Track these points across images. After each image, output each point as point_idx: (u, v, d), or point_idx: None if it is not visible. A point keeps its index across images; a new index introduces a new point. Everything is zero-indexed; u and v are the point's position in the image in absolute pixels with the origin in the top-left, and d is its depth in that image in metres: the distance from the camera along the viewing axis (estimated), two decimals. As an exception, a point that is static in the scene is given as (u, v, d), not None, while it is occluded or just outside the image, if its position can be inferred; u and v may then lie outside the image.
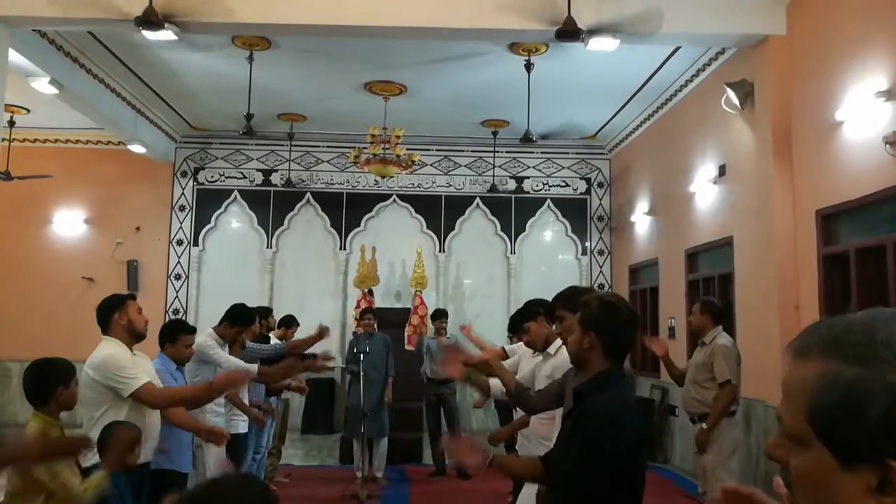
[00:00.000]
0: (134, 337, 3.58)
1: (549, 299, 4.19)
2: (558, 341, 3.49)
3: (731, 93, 6.20)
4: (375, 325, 7.05)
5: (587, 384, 2.07)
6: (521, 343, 4.13)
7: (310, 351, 5.72)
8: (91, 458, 3.21)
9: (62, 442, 2.79)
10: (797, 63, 5.64)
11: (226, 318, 4.76)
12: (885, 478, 0.64)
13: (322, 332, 5.29)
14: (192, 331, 4.20)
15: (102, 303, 3.59)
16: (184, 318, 9.96)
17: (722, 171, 6.97)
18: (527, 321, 3.76)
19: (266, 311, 6.63)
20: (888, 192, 4.55)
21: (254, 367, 4.53)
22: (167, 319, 9.93)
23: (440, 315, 7.80)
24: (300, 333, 7.50)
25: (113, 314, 3.55)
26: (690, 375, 4.87)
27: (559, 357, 3.42)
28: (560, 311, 2.97)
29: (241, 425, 5.06)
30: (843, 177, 5.02)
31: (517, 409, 4.26)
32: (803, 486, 0.70)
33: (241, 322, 4.78)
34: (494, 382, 3.77)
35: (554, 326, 3.35)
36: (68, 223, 10.37)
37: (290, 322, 7.10)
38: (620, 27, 5.61)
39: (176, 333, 4.08)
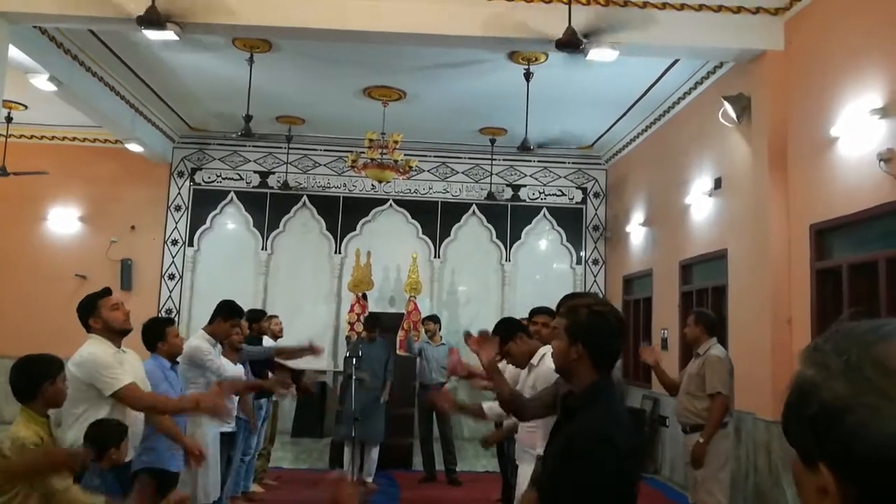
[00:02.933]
0: (116, 333, 3.53)
1: (530, 309, 4.22)
2: (541, 351, 3.50)
3: (728, 106, 6.23)
4: (377, 334, 7.07)
5: (577, 399, 2.00)
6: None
7: (296, 365, 5.79)
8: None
9: (56, 456, 2.72)
10: (794, 79, 5.68)
11: (217, 313, 4.74)
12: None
13: (314, 349, 5.32)
14: (173, 321, 4.22)
15: (77, 308, 3.53)
16: (176, 318, 9.94)
17: (718, 183, 7.00)
18: (505, 344, 3.77)
19: (259, 315, 6.61)
20: (882, 209, 4.58)
21: (240, 382, 4.54)
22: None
23: (431, 318, 7.84)
24: (294, 333, 7.46)
25: (88, 319, 3.50)
26: (684, 386, 4.88)
27: (542, 367, 3.42)
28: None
29: (229, 426, 5.03)
30: (837, 192, 5.05)
31: (510, 416, 4.27)
32: (793, 479, 0.74)
33: (233, 314, 4.76)
34: (489, 406, 3.79)
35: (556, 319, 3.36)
36: (63, 220, 10.34)
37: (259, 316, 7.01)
38: (619, 36, 5.64)
39: (163, 328, 4.07)
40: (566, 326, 2.04)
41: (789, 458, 0.74)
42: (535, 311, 4.10)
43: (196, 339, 4.56)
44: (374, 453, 6.92)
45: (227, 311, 4.73)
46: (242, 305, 5.92)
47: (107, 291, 3.62)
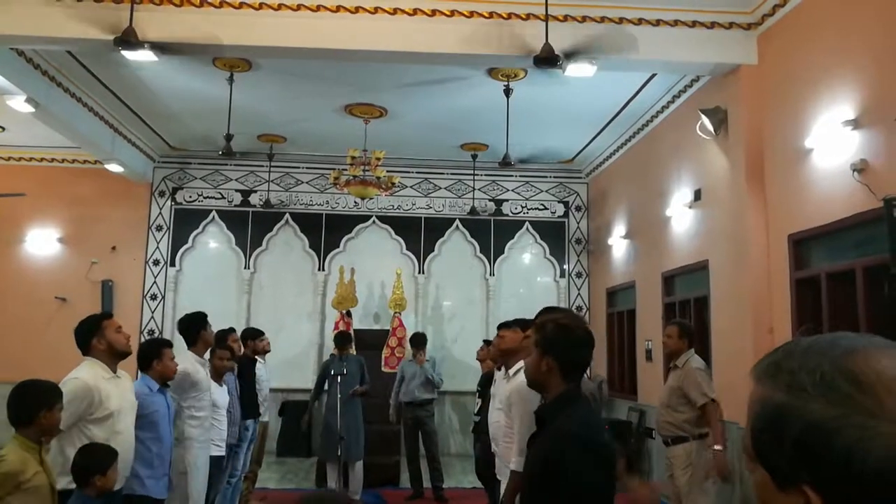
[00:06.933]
0: (116, 357, 3.52)
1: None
2: (519, 363, 3.51)
3: (705, 119, 6.32)
4: (348, 351, 7.22)
5: (548, 407, 2.10)
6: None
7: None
8: (66, 481, 3.15)
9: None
10: (768, 91, 5.78)
11: (190, 331, 4.73)
12: (808, 502, 0.66)
13: None
14: (171, 344, 4.19)
15: (78, 327, 3.52)
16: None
17: (697, 195, 7.08)
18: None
19: (255, 333, 6.57)
20: (856, 218, 4.65)
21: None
22: (142, 340, 9.79)
23: (419, 343, 7.74)
24: (278, 352, 7.42)
25: (91, 339, 3.48)
26: (665, 399, 4.89)
27: (517, 379, 3.43)
28: None
29: (218, 449, 5.00)
30: (813, 202, 5.13)
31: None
32: (757, 500, 0.74)
33: (203, 322, 4.77)
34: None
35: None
36: (42, 242, 10.22)
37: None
38: (596, 52, 5.72)
39: (160, 349, 4.03)
40: (536, 341, 2.14)
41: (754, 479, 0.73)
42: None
43: (186, 362, 4.52)
44: (359, 471, 6.87)
45: (197, 323, 4.70)
46: (226, 325, 5.95)
47: (109, 314, 3.70)
